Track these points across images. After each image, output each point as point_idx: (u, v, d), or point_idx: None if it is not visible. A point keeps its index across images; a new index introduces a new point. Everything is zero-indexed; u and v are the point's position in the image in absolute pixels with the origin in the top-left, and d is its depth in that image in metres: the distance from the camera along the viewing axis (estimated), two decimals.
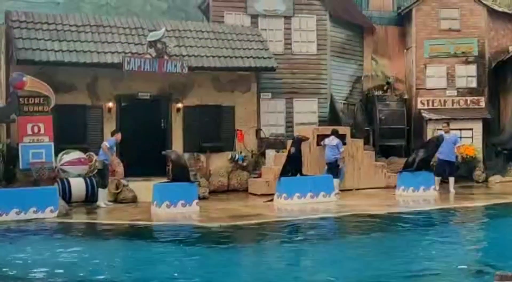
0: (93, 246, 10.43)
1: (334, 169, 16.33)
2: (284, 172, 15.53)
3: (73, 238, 11.26)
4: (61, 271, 8.45)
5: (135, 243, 10.82)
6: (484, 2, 22.16)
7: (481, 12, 21.59)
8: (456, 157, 18.21)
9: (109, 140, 14.99)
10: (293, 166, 15.66)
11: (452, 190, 16.74)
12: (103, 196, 14.64)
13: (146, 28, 17.28)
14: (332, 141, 16.61)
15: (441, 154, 16.87)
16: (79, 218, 13.37)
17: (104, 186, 14.69)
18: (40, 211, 12.86)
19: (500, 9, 22.70)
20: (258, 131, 18.73)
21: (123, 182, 15.52)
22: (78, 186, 15.09)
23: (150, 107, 17.79)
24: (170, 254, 9.66)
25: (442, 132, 17.59)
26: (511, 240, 11.28)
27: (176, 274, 8.39)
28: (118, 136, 15.21)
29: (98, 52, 16.16)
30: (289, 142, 18.11)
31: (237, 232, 11.87)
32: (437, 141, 16.78)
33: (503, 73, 21.50)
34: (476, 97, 21.28)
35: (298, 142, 15.98)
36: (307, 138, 16.55)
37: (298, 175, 15.61)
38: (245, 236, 11.73)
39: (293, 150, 15.77)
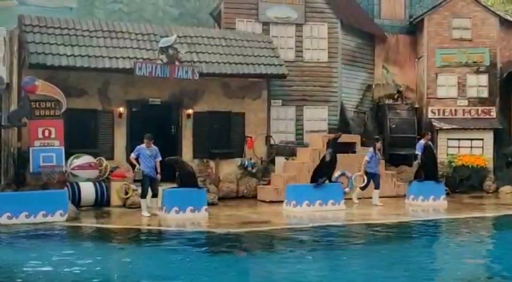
0: (98, 250, 10.45)
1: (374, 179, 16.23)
2: (316, 177, 15.29)
3: (80, 242, 11.28)
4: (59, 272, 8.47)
5: (142, 248, 10.83)
6: (496, 11, 22.13)
7: (493, 22, 21.53)
8: None
9: (136, 148, 14.12)
10: (327, 171, 15.43)
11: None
12: (143, 206, 14.05)
13: (157, 34, 17.36)
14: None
15: None
16: (88, 222, 13.39)
17: (143, 196, 14.10)
18: (49, 214, 12.87)
19: None
20: (268, 138, 18.73)
21: (133, 186, 15.53)
22: (87, 190, 15.15)
23: (161, 113, 17.84)
24: (177, 259, 9.66)
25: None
26: None
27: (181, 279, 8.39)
28: (147, 141, 14.05)
29: (110, 58, 16.24)
30: (300, 149, 18.19)
31: (245, 238, 11.85)
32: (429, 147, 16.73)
33: None
34: (487, 107, 21.18)
35: (334, 143, 15.60)
36: (340, 135, 16.21)
37: (327, 181, 15.37)
38: (253, 243, 11.70)
39: (328, 155, 15.36)
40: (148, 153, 13.96)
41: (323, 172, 15.29)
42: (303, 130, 20.02)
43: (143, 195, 14.02)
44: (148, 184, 13.98)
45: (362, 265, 9.59)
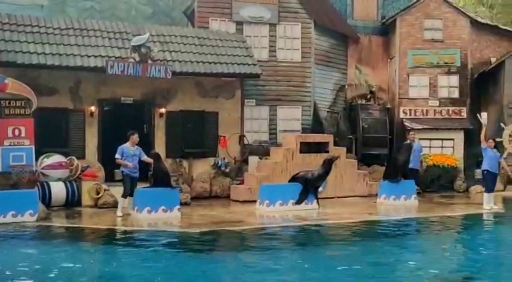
0: (69, 251, 10.34)
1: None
2: (301, 198, 15.09)
3: (50, 242, 11.14)
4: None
5: (113, 248, 10.73)
6: (467, 13, 22.41)
7: (464, 23, 21.80)
8: (420, 164, 18.45)
9: (119, 148, 13.87)
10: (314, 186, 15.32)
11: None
12: (120, 205, 13.93)
13: (130, 33, 17.24)
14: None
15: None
16: (59, 222, 13.22)
17: (124, 196, 13.92)
18: (19, 214, 12.70)
19: (483, 21, 22.97)
20: (241, 137, 18.72)
21: (104, 186, 15.41)
22: (58, 190, 14.98)
23: (133, 112, 17.72)
24: (147, 260, 9.60)
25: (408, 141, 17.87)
26: (490, 249, 11.39)
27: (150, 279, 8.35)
28: (134, 138, 13.89)
29: (82, 56, 16.09)
30: (273, 149, 18.21)
31: (218, 238, 11.82)
32: (410, 147, 16.96)
33: (485, 84, 21.71)
34: (458, 108, 21.46)
35: (329, 163, 15.39)
36: (338, 157, 15.95)
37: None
38: (225, 243, 11.68)
39: (316, 172, 15.28)
40: (131, 152, 13.81)
41: (308, 191, 15.20)
42: (277, 130, 20.07)
43: (125, 195, 13.89)
44: (129, 183, 13.85)
45: (334, 263, 9.62)
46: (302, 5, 20.46)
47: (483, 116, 16.26)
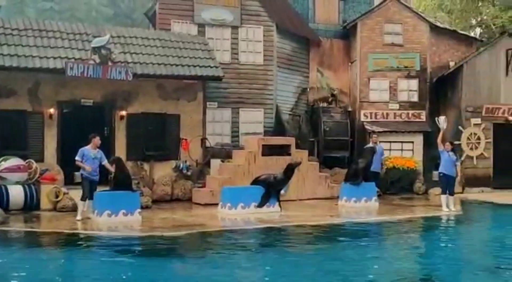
0: (27, 255, 10.15)
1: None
2: (263, 201, 15.09)
3: (7, 247, 10.92)
4: None
5: (71, 252, 10.56)
6: (427, 18, 22.78)
7: (423, 28, 22.14)
8: (382, 167, 18.71)
9: (80, 150, 13.70)
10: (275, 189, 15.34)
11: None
12: (80, 209, 13.71)
13: (90, 34, 17.05)
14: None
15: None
16: (17, 226, 12.97)
17: (83, 199, 13.68)
18: None
19: (442, 26, 23.39)
20: (203, 140, 18.64)
21: (63, 190, 15.19)
22: (16, 193, 14.70)
23: (93, 114, 17.50)
24: (106, 264, 9.49)
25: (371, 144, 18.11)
26: (448, 251, 11.59)
27: None
28: (96, 141, 13.78)
29: (41, 57, 15.84)
30: (235, 152, 18.20)
31: (179, 242, 11.74)
32: (372, 150, 17.19)
33: (443, 88, 22.09)
34: (417, 111, 21.78)
35: (291, 169, 15.38)
36: (300, 163, 15.93)
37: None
38: (186, 246, 11.61)
39: (279, 176, 15.31)
40: (92, 155, 13.64)
41: (270, 194, 15.22)
42: (239, 132, 20.07)
43: (84, 198, 13.69)
44: (89, 186, 13.66)
45: (296, 265, 9.66)
46: (264, 8, 20.52)
47: (441, 120, 16.54)
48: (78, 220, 13.42)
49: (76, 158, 13.61)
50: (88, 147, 13.72)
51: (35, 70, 15.76)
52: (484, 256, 11.05)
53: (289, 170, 15.41)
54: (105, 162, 13.81)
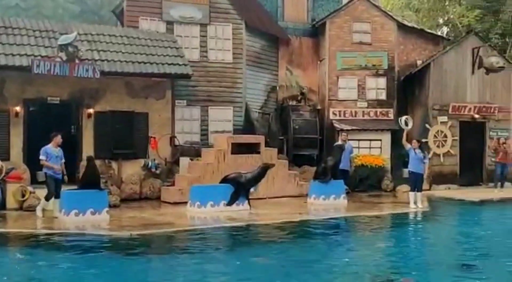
0: None
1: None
2: (232, 200, 15.13)
3: None
4: None
5: (38, 252, 10.42)
6: (394, 17, 22.98)
7: (391, 26, 22.33)
8: (350, 165, 18.87)
9: (42, 150, 13.64)
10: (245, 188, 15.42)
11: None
12: (41, 206, 13.69)
13: (57, 31, 16.81)
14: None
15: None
16: None
17: (48, 198, 13.62)
18: None
19: (409, 25, 23.64)
20: (172, 138, 18.55)
21: (30, 189, 14.98)
22: None
23: (60, 112, 17.26)
24: (72, 264, 9.39)
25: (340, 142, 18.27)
26: (416, 247, 11.73)
27: None
28: (57, 139, 13.79)
29: (6, 55, 15.57)
30: (204, 150, 18.16)
31: (148, 241, 11.66)
32: (341, 148, 17.32)
33: (411, 86, 22.33)
34: (385, 109, 21.97)
35: (264, 170, 15.56)
36: (274, 165, 16.17)
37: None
38: (155, 245, 11.54)
39: (250, 175, 15.45)
40: (55, 153, 13.59)
41: (240, 192, 15.24)
42: (208, 131, 20.01)
43: (49, 197, 13.57)
44: (53, 185, 13.58)
45: (265, 263, 9.67)
46: (233, 6, 20.49)
47: (403, 121, 16.78)
48: (40, 217, 13.39)
49: (41, 157, 13.53)
50: (50, 146, 13.68)
51: (1, 68, 15.48)
52: (450, 251, 11.22)
53: (263, 170, 15.51)
54: (63, 161, 13.85)
